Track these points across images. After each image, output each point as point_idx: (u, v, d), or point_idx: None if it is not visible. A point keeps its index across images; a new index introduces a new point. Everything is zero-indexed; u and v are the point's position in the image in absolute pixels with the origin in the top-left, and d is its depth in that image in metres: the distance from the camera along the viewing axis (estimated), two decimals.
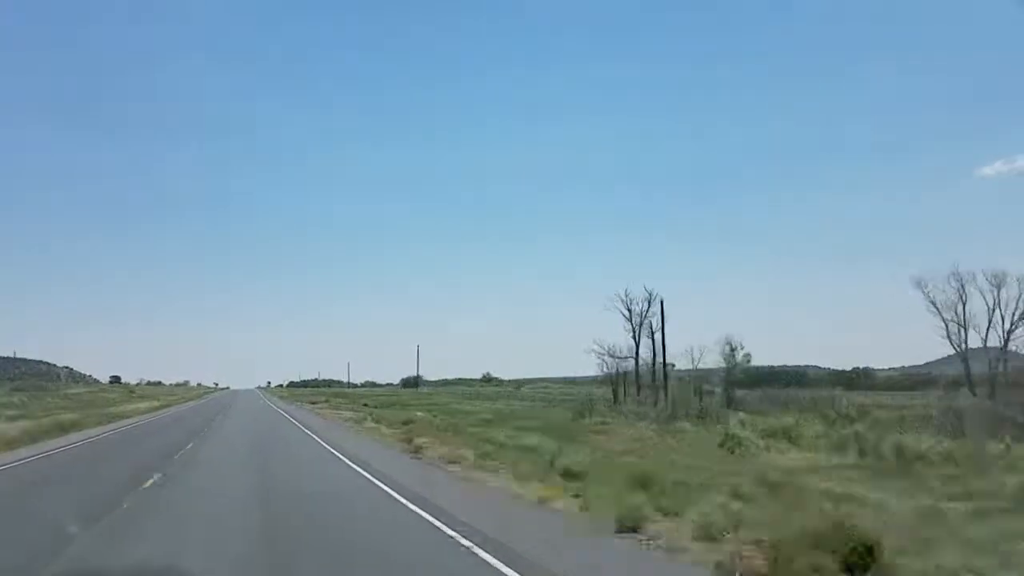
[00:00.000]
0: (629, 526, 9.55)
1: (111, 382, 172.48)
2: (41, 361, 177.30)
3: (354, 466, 18.53)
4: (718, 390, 48.27)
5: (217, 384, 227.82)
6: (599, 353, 56.82)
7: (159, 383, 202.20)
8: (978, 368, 51.13)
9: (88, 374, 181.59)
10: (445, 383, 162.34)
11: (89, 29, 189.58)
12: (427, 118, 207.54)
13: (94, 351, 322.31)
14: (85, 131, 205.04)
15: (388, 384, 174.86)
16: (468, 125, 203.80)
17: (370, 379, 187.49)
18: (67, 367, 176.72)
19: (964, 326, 51.19)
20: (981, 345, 51.26)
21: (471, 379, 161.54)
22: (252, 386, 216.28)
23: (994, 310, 50.42)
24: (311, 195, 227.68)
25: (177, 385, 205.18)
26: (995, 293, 50.51)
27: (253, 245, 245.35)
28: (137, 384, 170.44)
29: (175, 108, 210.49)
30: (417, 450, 21.70)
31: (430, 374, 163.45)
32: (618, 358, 55.53)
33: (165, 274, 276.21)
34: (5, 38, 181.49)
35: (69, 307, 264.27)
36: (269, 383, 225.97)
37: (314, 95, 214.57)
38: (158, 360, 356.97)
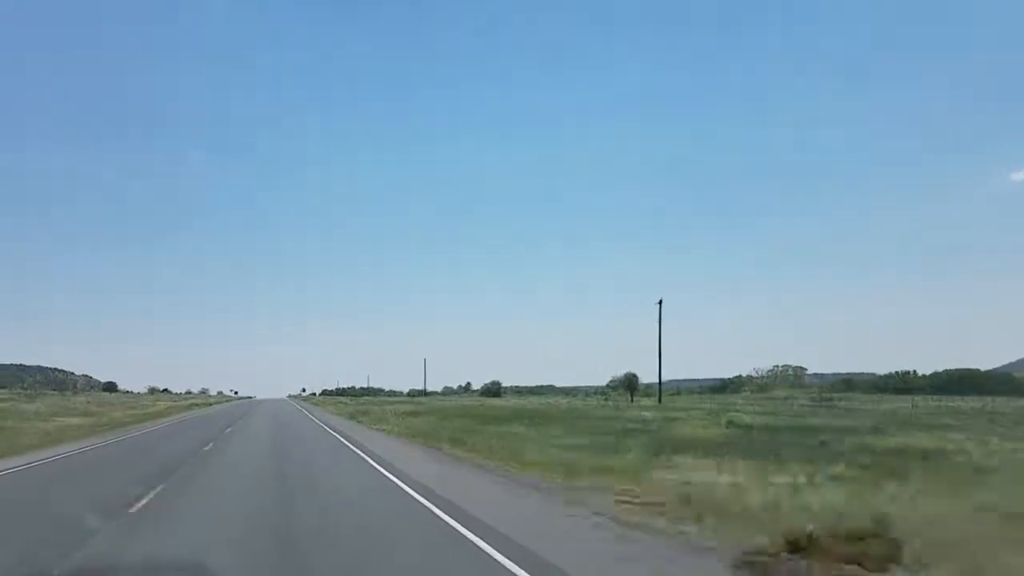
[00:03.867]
0: None
1: (105, 389, 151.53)
2: (56, 369, 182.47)
3: None
4: None
5: (236, 392, 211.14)
6: None
7: (165, 391, 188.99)
8: None
9: (108, 381, 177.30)
10: (521, 391, 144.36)
11: (87, 36, 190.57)
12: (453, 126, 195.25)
13: (123, 362, 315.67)
14: (105, 140, 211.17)
15: (424, 391, 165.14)
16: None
17: (393, 387, 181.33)
18: (85, 375, 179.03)
19: None
20: None
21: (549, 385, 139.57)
22: (281, 395, 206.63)
23: None
24: (333, 206, 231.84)
25: (187, 394, 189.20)
26: None
27: (278, 256, 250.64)
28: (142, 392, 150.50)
29: (188, 113, 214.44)
30: None
31: (436, 382, 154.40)
32: None
33: (188, 287, 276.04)
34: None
35: (96, 319, 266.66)
36: (304, 390, 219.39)
37: (330, 105, 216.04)
38: (183, 370, 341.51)
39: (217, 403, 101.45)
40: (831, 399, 76.16)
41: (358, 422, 37.96)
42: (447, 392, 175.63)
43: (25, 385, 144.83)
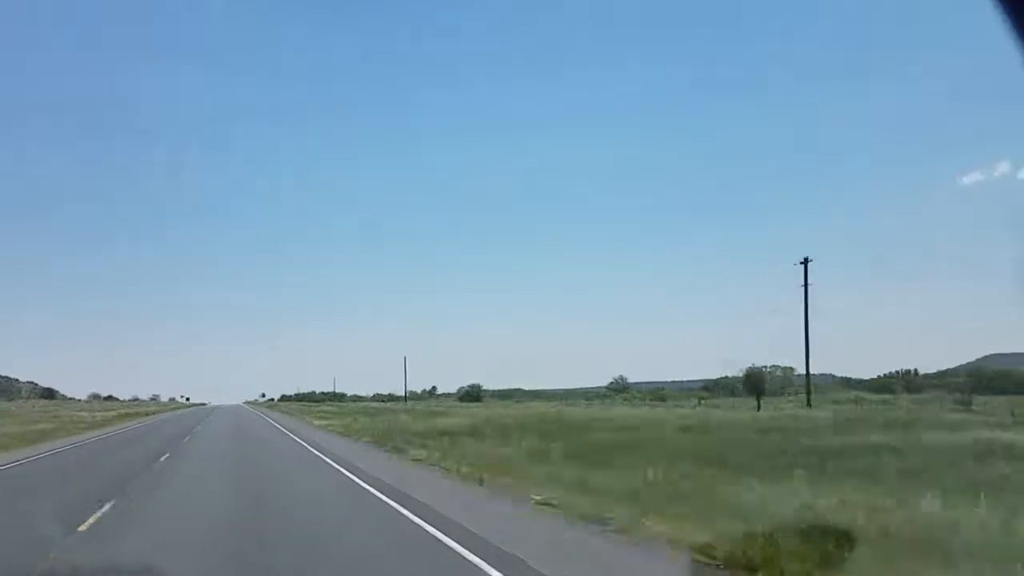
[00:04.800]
0: None
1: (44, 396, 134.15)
2: (1, 376, 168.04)
3: None
4: None
5: (188, 399, 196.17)
6: None
7: (110, 397, 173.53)
8: None
9: (57, 389, 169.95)
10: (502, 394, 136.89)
11: (67, 32, 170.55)
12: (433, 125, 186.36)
13: (73, 367, 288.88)
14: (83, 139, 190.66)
15: (390, 395, 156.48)
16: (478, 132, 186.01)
17: (356, 391, 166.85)
18: (31, 382, 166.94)
19: None
20: None
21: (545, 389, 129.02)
22: (238, 400, 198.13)
23: None
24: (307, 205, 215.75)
25: (134, 400, 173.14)
26: None
27: (235, 257, 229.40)
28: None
29: (157, 114, 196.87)
30: None
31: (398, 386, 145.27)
32: None
33: (141, 289, 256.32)
34: None
35: (46, 323, 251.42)
36: (264, 394, 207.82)
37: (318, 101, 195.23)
38: (134, 376, 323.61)
39: (156, 413, 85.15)
40: (889, 401, 64.20)
41: (407, 461, 18.73)
42: (420, 397, 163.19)
43: None
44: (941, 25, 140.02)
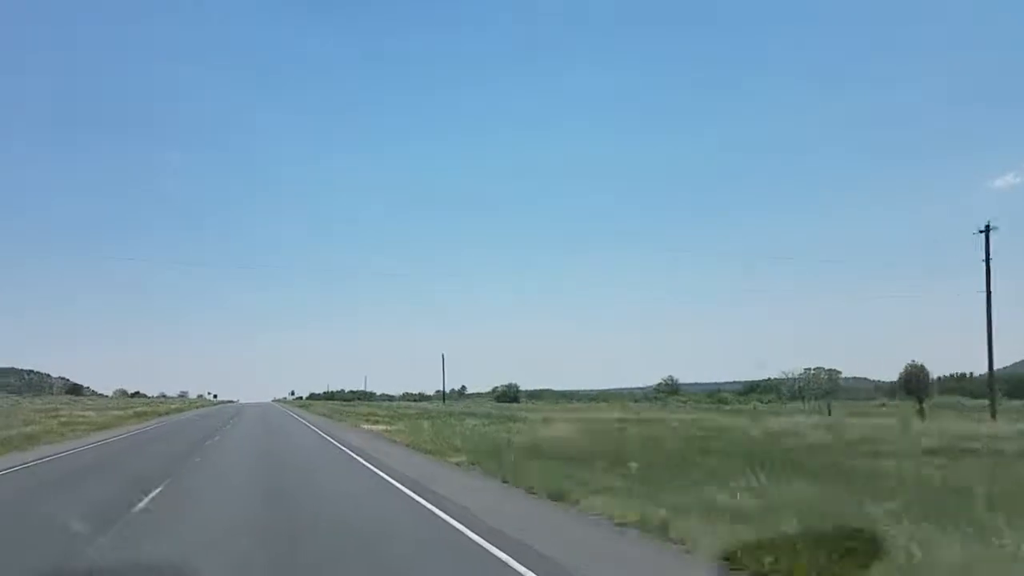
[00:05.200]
0: None
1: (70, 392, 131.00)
2: (32, 371, 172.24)
3: None
4: None
5: (216, 396, 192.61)
6: None
7: (137, 394, 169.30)
8: None
9: (87, 385, 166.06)
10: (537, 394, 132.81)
11: (80, 30, 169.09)
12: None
13: (105, 364, 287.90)
14: (85, 135, 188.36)
15: (421, 395, 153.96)
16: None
17: (385, 391, 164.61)
18: (62, 378, 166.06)
19: None
20: None
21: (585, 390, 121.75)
22: (267, 398, 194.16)
23: None
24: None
25: (161, 397, 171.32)
26: None
27: (263, 256, 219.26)
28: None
29: (175, 112, 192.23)
30: None
31: (428, 385, 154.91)
32: None
33: (175, 286, 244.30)
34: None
35: (81, 319, 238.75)
36: (293, 392, 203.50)
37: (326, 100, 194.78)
38: (168, 372, 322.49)
39: (179, 411, 78.18)
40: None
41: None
42: (448, 396, 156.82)
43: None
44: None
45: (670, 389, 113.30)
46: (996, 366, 37.48)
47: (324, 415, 61.45)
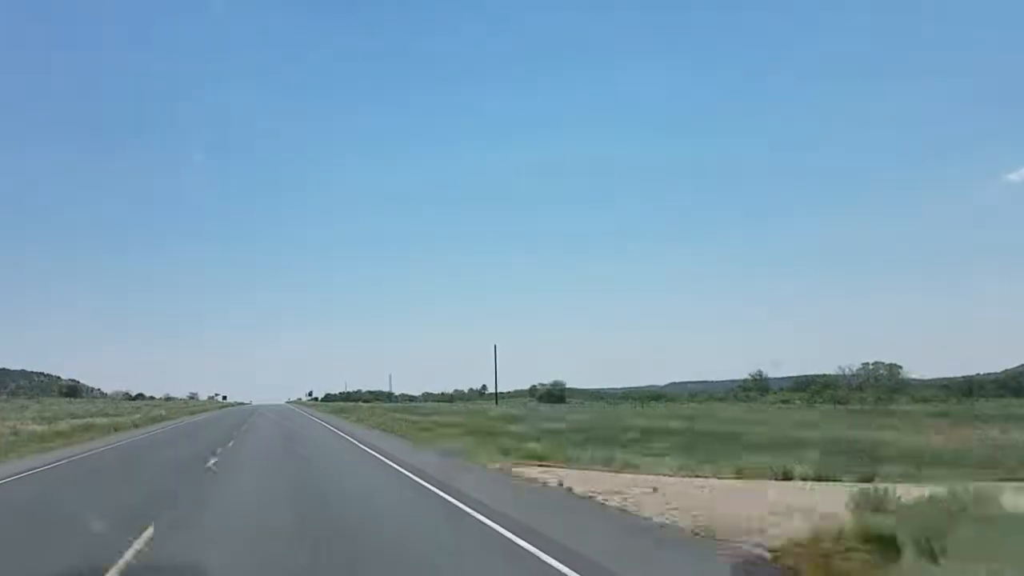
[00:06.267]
0: None
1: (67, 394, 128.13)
2: (41, 373, 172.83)
3: None
4: None
5: (224, 397, 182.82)
6: None
7: (140, 396, 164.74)
8: None
9: (96, 387, 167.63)
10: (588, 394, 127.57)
11: (90, 37, 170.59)
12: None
13: (114, 364, 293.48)
14: (95, 141, 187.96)
15: (443, 394, 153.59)
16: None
17: (404, 391, 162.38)
18: (72, 379, 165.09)
19: None
20: None
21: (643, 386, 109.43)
22: (280, 399, 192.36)
23: None
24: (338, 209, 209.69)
25: (166, 399, 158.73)
26: None
27: (281, 254, 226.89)
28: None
29: (181, 116, 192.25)
30: None
31: (456, 384, 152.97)
32: None
33: (184, 288, 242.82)
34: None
35: (89, 320, 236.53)
36: (311, 393, 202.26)
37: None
38: (181, 373, 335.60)
39: (169, 420, 61.63)
40: None
41: None
42: (467, 396, 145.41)
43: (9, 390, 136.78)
44: None
45: (759, 384, 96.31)
46: None
47: (360, 422, 45.01)
